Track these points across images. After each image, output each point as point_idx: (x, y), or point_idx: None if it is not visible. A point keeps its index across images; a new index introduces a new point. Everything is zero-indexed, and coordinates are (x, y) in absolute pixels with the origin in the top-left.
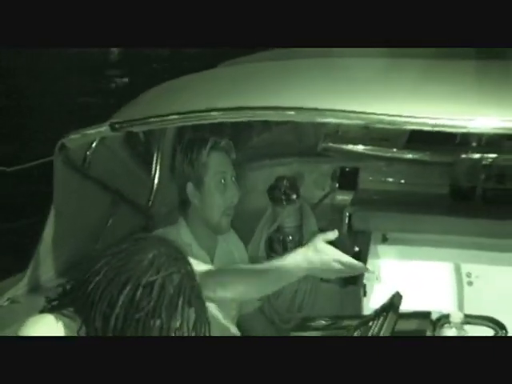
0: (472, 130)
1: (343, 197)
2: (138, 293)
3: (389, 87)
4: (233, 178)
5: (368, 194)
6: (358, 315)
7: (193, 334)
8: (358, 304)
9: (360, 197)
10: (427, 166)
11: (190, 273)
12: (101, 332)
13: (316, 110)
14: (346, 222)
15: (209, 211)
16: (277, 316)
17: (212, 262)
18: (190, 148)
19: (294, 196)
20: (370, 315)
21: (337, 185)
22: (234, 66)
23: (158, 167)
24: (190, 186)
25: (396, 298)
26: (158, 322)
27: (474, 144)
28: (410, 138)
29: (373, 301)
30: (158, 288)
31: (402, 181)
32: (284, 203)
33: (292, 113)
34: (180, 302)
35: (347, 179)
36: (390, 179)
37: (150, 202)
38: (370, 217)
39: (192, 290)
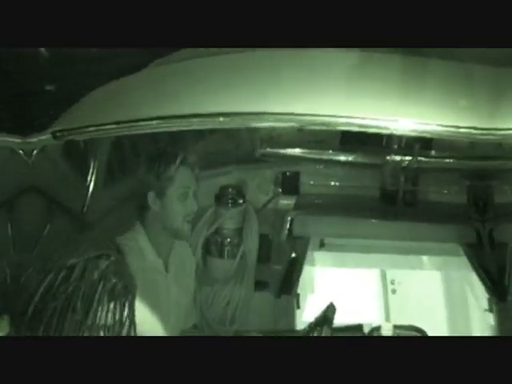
0: (394, 132)
1: (287, 201)
2: (60, 276)
3: (318, 85)
4: (194, 192)
5: (310, 199)
6: (291, 329)
7: (111, 333)
8: (292, 316)
9: (302, 201)
10: (360, 169)
11: (121, 263)
12: (17, 327)
13: (248, 114)
14: (287, 226)
15: (170, 217)
16: (209, 330)
17: (166, 270)
18: (158, 160)
19: (241, 200)
20: (304, 330)
21: (280, 190)
22: (167, 66)
23: (94, 174)
24: (151, 195)
25: (330, 311)
26: (74, 316)
27: (396, 146)
28: (342, 139)
29: (307, 312)
30: (79, 271)
31: (340, 184)
32: (229, 206)
33: (221, 119)
34: (99, 289)
35: (289, 184)
36: (329, 182)
37: (85, 208)
38: (310, 221)
39: (119, 279)
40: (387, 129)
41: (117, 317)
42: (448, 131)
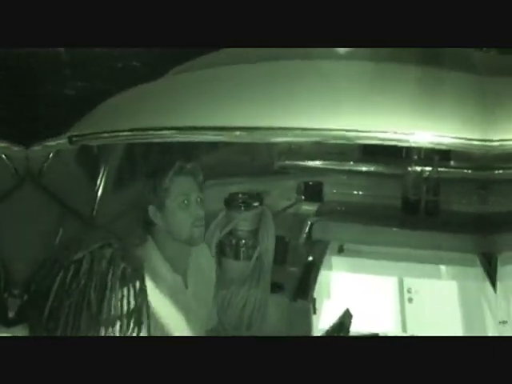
0: (413, 144)
1: (308, 207)
2: (69, 274)
3: (337, 99)
4: (198, 199)
5: (332, 206)
6: (307, 335)
7: (127, 323)
8: (308, 321)
9: (324, 208)
10: (382, 179)
11: (125, 248)
12: (34, 330)
13: (266, 129)
14: (306, 230)
15: (177, 227)
16: (225, 334)
17: (186, 286)
18: (154, 173)
19: (256, 203)
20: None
21: (303, 197)
22: (186, 75)
23: (104, 178)
24: (151, 209)
25: (346, 318)
26: (89, 310)
27: (416, 157)
28: (364, 150)
29: (323, 317)
30: (87, 264)
31: (363, 193)
32: (242, 209)
33: (238, 133)
34: (110, 276)
35: (312, 192)
36: (353, 191)
37: (95, 212)
38: (331, 226)
39: (128, 263)
40: (405, 141)
41: (131, 303)
42: (462, 143)
